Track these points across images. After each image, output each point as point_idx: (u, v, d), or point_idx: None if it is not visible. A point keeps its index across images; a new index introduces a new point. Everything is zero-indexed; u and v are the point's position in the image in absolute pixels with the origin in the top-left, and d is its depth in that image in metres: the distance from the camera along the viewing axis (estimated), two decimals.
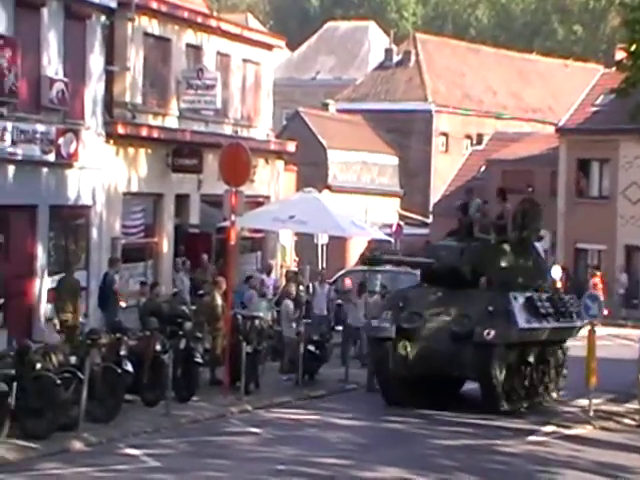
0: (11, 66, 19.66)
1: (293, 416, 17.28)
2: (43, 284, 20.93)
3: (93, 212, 22.61)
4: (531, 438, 16.20)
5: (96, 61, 22.69)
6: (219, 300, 19.23)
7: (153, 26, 25.08)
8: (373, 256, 20.80)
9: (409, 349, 17.85)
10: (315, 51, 60.56)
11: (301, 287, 24.18)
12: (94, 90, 22.60)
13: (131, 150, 24.09)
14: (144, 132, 24.25)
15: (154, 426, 15.54)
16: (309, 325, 21.63)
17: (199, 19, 26.96)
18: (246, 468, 13.17)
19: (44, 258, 21.04)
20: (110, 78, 23.36)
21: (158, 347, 17.01)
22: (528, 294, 18.63)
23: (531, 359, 18.65)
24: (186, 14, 26.19)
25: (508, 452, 15.08)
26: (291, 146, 31.29)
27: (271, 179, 29.75)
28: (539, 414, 18.33)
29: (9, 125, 19.80)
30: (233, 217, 19.42)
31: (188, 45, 26.42)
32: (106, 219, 22.98)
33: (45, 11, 21.02)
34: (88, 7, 22.19)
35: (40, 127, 20.67)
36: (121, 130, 23.40)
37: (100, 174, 22.70)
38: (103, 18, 22.74)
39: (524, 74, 54.33)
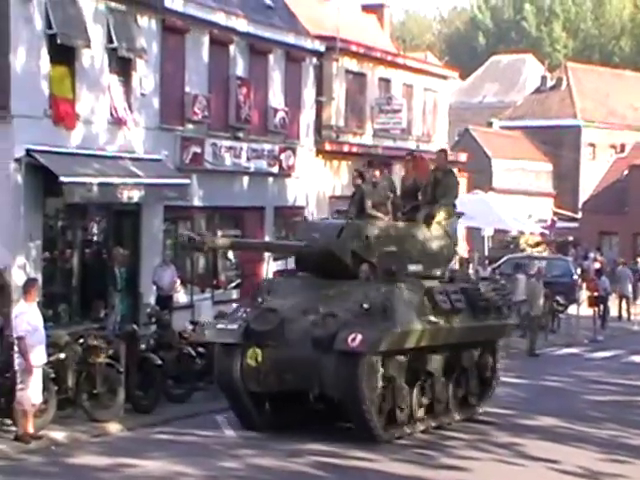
0: (246, 100, 20.43)
1: None
2: (269, 267, 21.60)
3: (307, 211, 23.12)
4: None
5: (309, 93, 23.20)
6: None
7: (352, 64, 25.40)
8: (190, 239, 11.90)
9: (259, 358, 11.04)
10: (482, 79, 59.63)
11: (470, 271, 23.92)
12: (307, 116, 23.14)
13: (335, 162, 24.52)
14: (346, 148, 24.62)
15: None
16: None
17: (389, 57, 27.14)
18: None
19: None
20: (319, 106, 23.85)
21: None
22: (428, 285, 11.83)
23: (432, 368, 11.86)
24: (379, 54, 26.42)
25: None
26: (462, 156, 31.02)
27: None
28: None
29: (244, 145, 20.57)
30: None
31: (380, 78, 26.61)
32: (316, 217, 23.49)
33: (271, 57, 21.68)
34: (303, 52, 22.73)
35: (267, 146, 21.35)
36: (328, 147, 23.86)
37: (312, 182, 23.23)
38: (314, 60, 23.23)
39: None
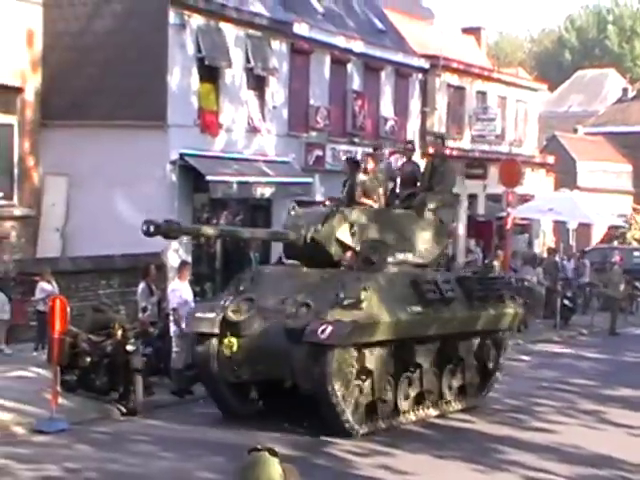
0: (361, 110, 20.35)
1: (554, 349, 16.55)
2: None
3: None
4: None
5: (415, 105, 22.91)
6: (498, 267, 18.80)
7: (453, 79, 24.90)
8: (156, 225, 8.70)
9: (234, 348, 9.22)
10: (568, 91, 57.56)
11: (557, 258, 23.07)
12: (413, 124, 22.84)
13: None
14: (447, 152, 24.12)
15: None
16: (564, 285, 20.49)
17: (485, 73, 26.47)
18: (519, 384, 12.82)
19: None
20: (424, 116, 23.51)
21: None
22: (414, 274, 9.92)
23: (422, 360, 9.76)
24: (476, 70, 25.80)
25: None
26: (550, 159, 30.09)
27: (535, 182, 28.67)
28: None
29: (359, 149, 20.36)
30: (509, 209, 18.97)
31: (477, 91, 26.00)
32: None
33: (383, 73, 21.51)
34: (410, 69, 22.45)
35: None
36: (431, 151, 23.36)
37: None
38: (420, 75, 22.91)
39: None
